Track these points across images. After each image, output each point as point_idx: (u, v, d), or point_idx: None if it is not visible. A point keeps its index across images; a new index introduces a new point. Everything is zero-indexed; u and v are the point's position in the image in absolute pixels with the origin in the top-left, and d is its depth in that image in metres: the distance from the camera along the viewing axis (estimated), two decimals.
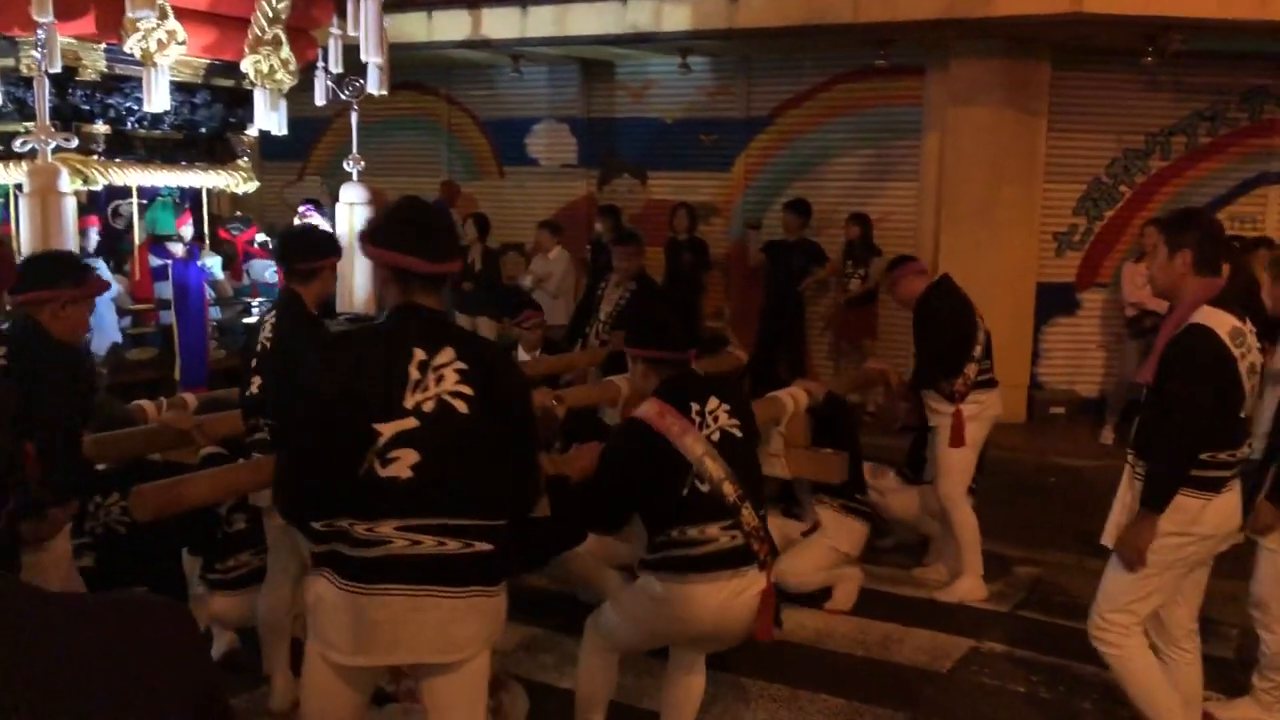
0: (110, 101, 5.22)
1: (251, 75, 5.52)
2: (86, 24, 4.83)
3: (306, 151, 11.42)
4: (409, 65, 9.57)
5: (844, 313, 8.84)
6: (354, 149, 6.02)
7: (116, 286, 5.31)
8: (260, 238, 7.05)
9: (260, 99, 5.64)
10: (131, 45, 4.87)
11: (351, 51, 5.80)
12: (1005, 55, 8.28)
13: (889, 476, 5.90)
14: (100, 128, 5.21)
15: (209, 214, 6.06)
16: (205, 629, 4.24)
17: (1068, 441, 7.96)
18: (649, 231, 9.96)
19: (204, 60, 5.47)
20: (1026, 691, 4.43)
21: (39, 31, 4.41)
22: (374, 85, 5.82)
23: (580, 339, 6.67)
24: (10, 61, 4.99)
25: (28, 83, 4.79)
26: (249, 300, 6.24)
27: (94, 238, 5.34)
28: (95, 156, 5.15)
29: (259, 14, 5.42)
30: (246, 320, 6.07)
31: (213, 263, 5.95)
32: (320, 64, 5.92)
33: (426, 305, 2.64)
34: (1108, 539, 3.62)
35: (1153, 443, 3.45)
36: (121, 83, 5.19)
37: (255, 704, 3.97)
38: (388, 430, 2.52)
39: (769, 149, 9.70)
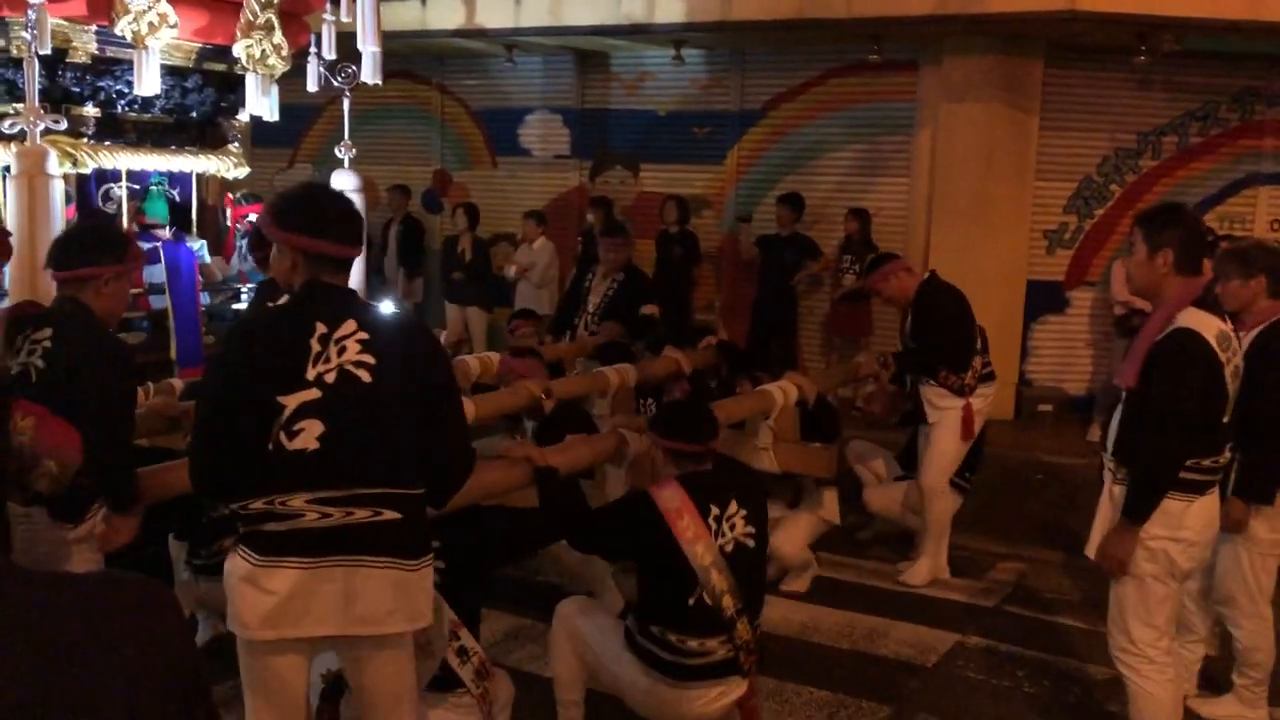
0: (101, 84, 5.18)
1: (243, 60, 5.49)
2: (77, 6, 4.80)
3: (298, 139, 11.36)
4: (402, 54, 9.54)
5: (838, 308, 8.84)
6: (346, 136, 5.99)
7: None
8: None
9: (252, 84, 5.61)
10: (122, 28, 4.84)
11: (345, 39, 5.77)
12: (998, 52, 8.29)
13: (879, 460, 5.96)
14: (90, 110, 5.17)
15: (198, 198, 6.03)
16: (190, 614, 4.23)
17: (1055, 439, 7.99)
18: (640, 223, 9.98)
19: (195, 44, 5.43)
20: (1011, 685, 4.46)
21: (29, 12, 4.38)
22: (369, 74, 5.79)
23: (569, 330, 6.67)
24: (1, 43, 4.94)
25: (18, 64, 4.75)
26: (238, 286, 6.21)
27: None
28: (85, 139, 5.11)
29: None
30: (236, 306, 6.04)
31: (198, 246, 5.92)
32: (313, 50, 5.88)
33: (331, 282, 2.66)
34: (1092, 550, 3.50)
35: (1137, 450, 3.34)
36: (112, 65, 5.16)
37: (239, 690, 3.95)
38: (291, 402, 2.54)
39: (762, 142, 9.70)
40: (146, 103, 5.36)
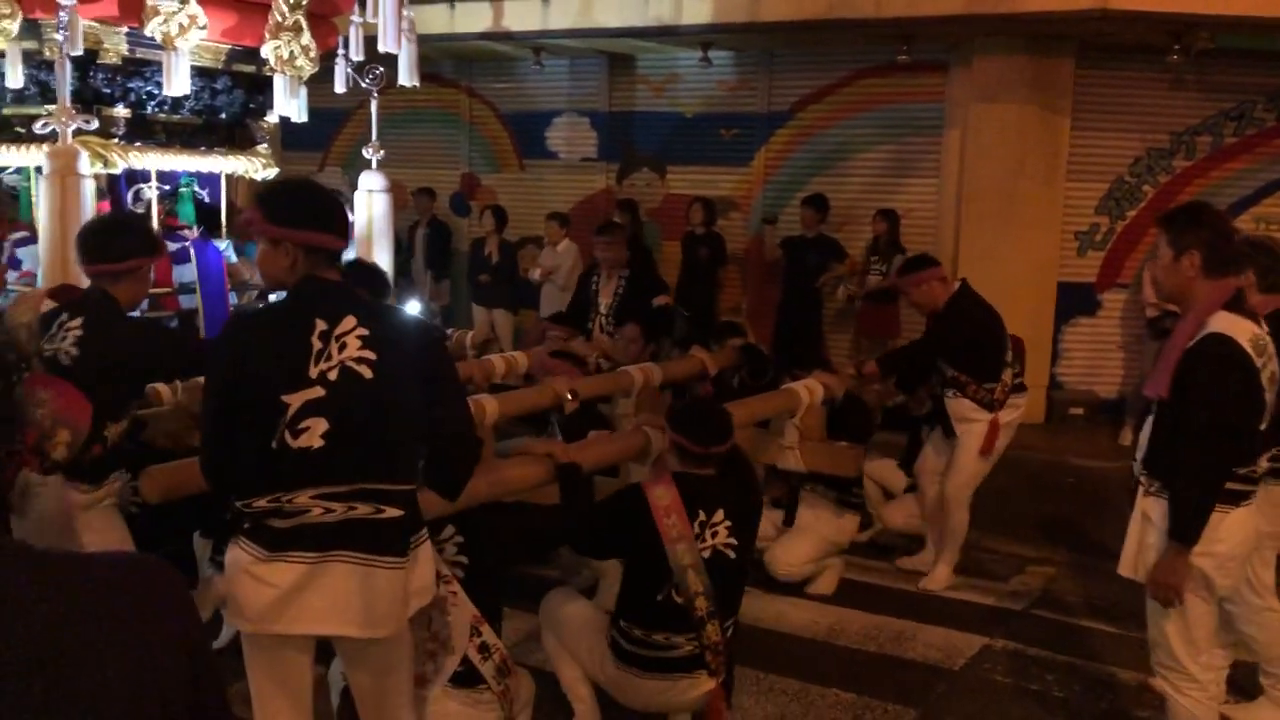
0: (131, 85, 5.23)
1: (272, 61, 5.52)
2: (108, 7, 4.84)
3: (328, 142, 11.44)
4: (430, 57, 9.57)
5: (865, 308, 8.78)
6: (373, 137, 6.01)
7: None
8: None
9: (280, 85, 5.64)
10: (153, 29, 4.88)
11: (372, 40, 5.80)
12: (1028, 52, 8.21)
13: (892, 470, 5.92)
14: (121, 111, 5.22)
15: (227, 199, 6.06)
16: (215, 611, 4.24)
17: (1086, 442, 7.89)
18: (667, 226, 9.97)
19: (224, 45, 5.47)
20: (1040, 690, 4.40)
21: (61, 14, 4.43)
22: (405, 76, 5.81)
23: (584, 335, 6.67)
24: (33, 44, 5.00)
25: (50, 66, 4.80)
26: (263, 285, 6.24)
27: None
28: (115, 140, 5.16)
29: (280, 0, 5.42)
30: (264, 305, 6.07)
31: (226, 245, 5.96)
32: (341, 51, 5.92)
33: (328, 278, 2.66)
34: (1125, 569, 3.35)
35: (1177, 466, 3.15)
36: (142, 67, 5.20)
37: None
38: (295, 401, 2.55)
39: (789, 144, 9.66)
40: (176, 104, 5.40)
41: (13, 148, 5.15)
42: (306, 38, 5.55)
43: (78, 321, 3.34)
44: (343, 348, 2.58)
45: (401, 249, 9.66)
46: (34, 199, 5.14)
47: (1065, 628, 5.05)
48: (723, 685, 3.53)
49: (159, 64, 5.03)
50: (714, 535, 3.44)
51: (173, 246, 5.42)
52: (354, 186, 6.41)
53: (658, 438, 3.98)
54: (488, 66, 10.77)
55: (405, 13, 5.65)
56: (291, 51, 5.54)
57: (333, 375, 2.57)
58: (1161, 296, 3.52)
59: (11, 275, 5.42)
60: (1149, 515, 3.26)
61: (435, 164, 11.15)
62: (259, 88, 5.82)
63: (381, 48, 5.59)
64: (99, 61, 5.08)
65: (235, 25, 5.38)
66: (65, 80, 4.51)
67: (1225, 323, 3.10)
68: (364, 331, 2.60)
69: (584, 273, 7.06)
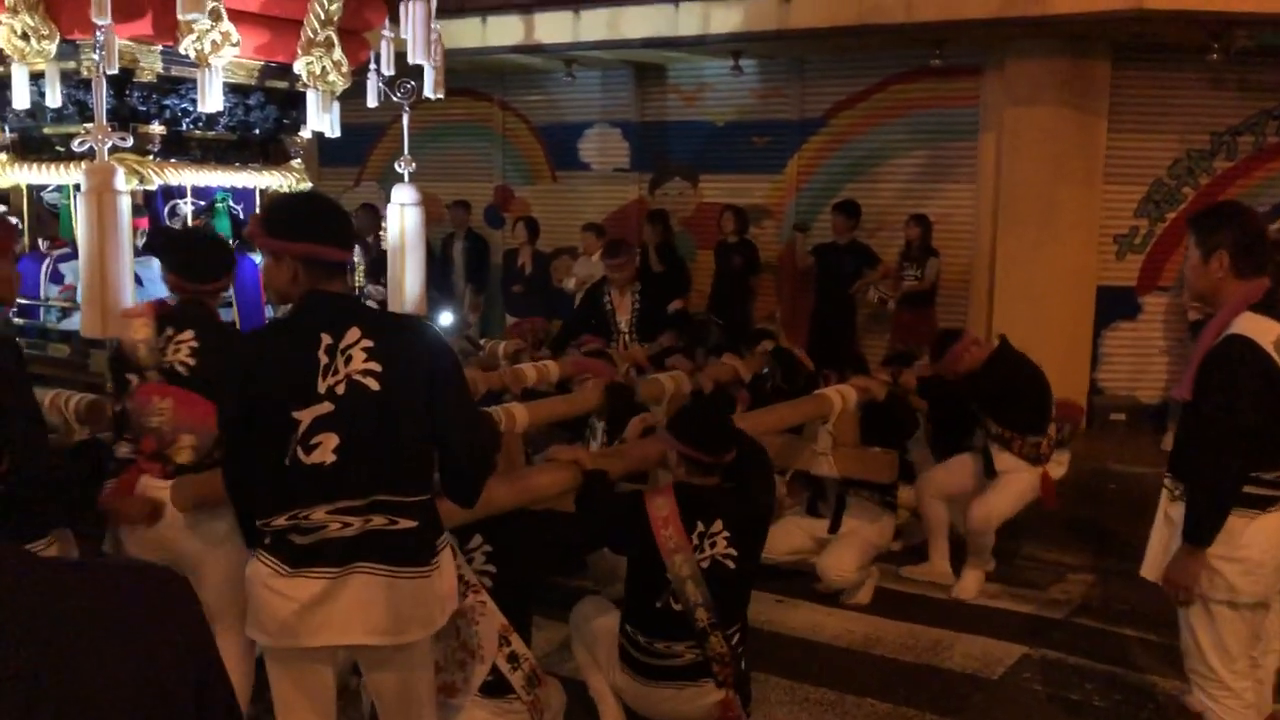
0: (166, 103, 5.29)
1: (304, 77, 5.57)
2: (144, 26, 4.90)
3: (364, 157, 11.56)
4: (463, 71, 9.65)
5: (899, 313, 8.72)
6: (405, 150, 6.05)
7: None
8: None
9: (313, 100, 5.69)
10: (187, 47, 4.93)
11: (404, 56, 5.84)
12: (1063, 54, 8.12)
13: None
14: (156, 128, 5.28)
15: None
16: None
17: (1128, 448, 7.77)
18: (700, 235, 9.97)
19: (257, 62, 5.51)
20: (1080, 700, 4.32)
21: (97, 34, 4.49)
22: (429, 89, 5.84)
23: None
24: (71, 64, 5.08)
25: (88, 85, 4.87)
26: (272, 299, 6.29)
27: (141, 238, 5.44)
28: (151, 156, 5.23)
29: (311, 16, 5.46)
30: None
31: (259, 259, 6.02)
32: (372, 66, 5.96)
33: (332, 290, 2.66)
34: (1148, 571, 3.35)
35: (1194, 466, 3.14)
36: (177, 84, 5.26)
37: None
38: (306, 417, 2.55)
39: (822, 151, 9.62)
40: (211, 120, 5.46)
41: (53, 166, 5.24)
42: (338, 53, 5.59)
43: (189, 334, 3.42)
44: (348, 361, 2.58)
45: (435, 261, 9.72)
46: (73, 215, 5.22)
47: (1106, 636, 4.96)
48: (736, 695, 3.50)
49: (193, 81, 5.09)
50: (712, 545, 3.43)
51: None
52: (389, 200, 6.46)
53: None
54: (520, 79, 10.83)
55: (433, 26, 5.68)
56: (324, 67, 5.58)
57: (340, 389, 2.56)
58: (1193, 298, 3.47)
59: (54, 289, 5.51)
60: (1173, 519, 3.23)
61: (469, 176, 11.23)
62: (292, 103, 5.87)
63: (411, 60, 5.63)
64: (135, 80, 5.15)
65: (268, 42, 5.43)
66: (102, 99, 4.56)
67: (1249, 324, 3.05)
68: (369, 343, 2.59)
69: (592, 288, 7.02)
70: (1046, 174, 8.29)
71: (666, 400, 5.17)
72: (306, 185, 6.06)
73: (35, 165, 5.27)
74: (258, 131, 5.85)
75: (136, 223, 5.24)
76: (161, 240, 5.05)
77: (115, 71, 4.68)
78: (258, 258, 6.08)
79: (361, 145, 11.09)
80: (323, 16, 5.47)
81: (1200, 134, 8.54)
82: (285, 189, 5.92)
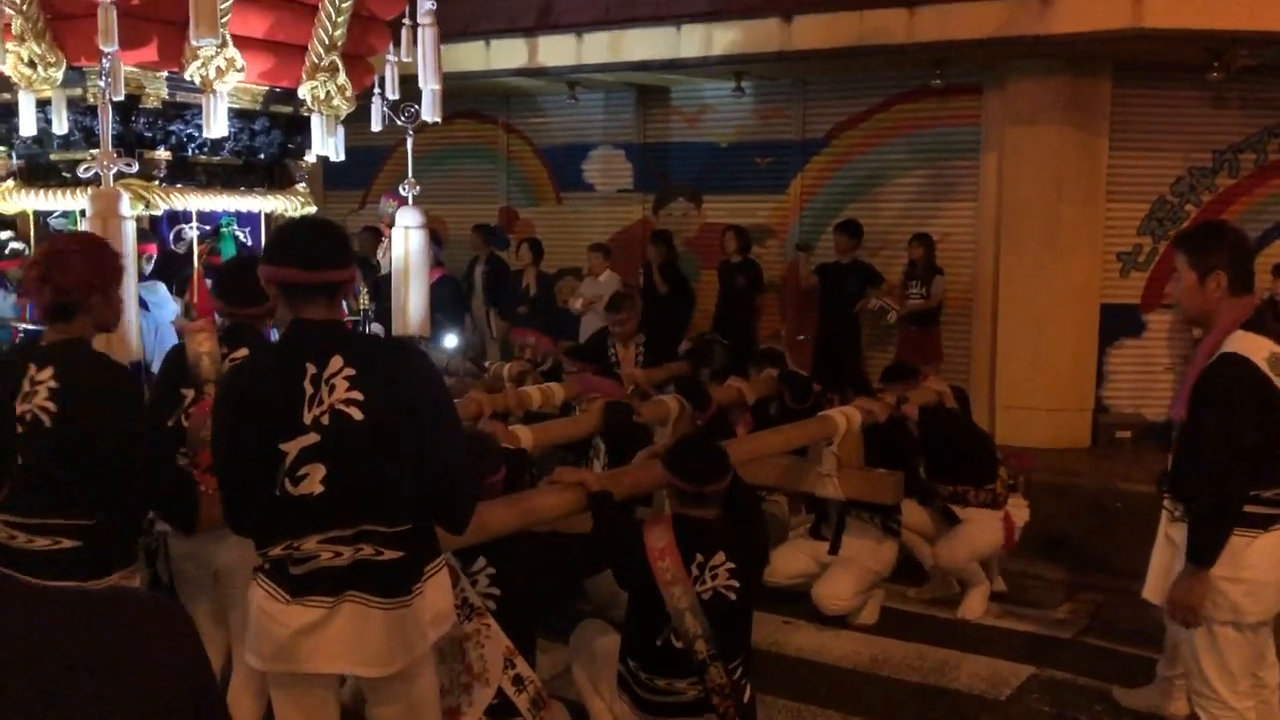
0: (172, 128, 5.32)
1: (309, 101, 5.61)
2: (149, 52, 4.94)
3: (369, 180, 11.60)
4: (467, 94, 9.70)
5: (905, 332, 8.72)
6: (409, 173, 6.08)
7: (176, 308, 5.42)
8: None
9: (317, 125, 5.72)
10: (192, 73, 4.97)
11: (408, 79, 5.87)
12: (1064, 73, 8.15)
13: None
14: (162, 154, 5.31)
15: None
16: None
17: (1134, 466, 7.73)
18: (704, 254, 9.99)
19: (262, 87, 5.55)
20: None
21: (103, 61, 4.53)
22: (428, 112, 5.87)
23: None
24: (77, 91, 5.12)
25: (94, 111, 4.91)
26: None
27: (149, 263, 5.46)
28: (157, 182, 5.25)
29: (316, 41, 5.50)
30: None
31: None
32: (376, 91, 5.99)
33: (313, 318, 2.63)
34: (1150, 593, 3.36)
35: (1193, 487, 3.14)
36: (183, 110, 5.29)
37: None
38: (292, 448, 2.55)
39: (825, 171, 9.65)
40: (216, 145, 5.49)
41: (59, 192, 5.27)
42: (342, 78, 5.63)
43: (241, 352, 3.44)
44: (331, 390, 2.57)
45: (458, 284, 9.74)
46: None
47: (1114, 656, 4.94)
48: None
49: (199, 107, 5.12)
50: (714, 577, 3.39)
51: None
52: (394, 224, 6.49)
53: None
54: (523, 102, 10.88)
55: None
56: (328, 92, 5.63)
57: (325, 420, 2.56)
58: (1186, 319, 3.45)
59: None
60: (1174, 540, 3.23)
61: (475, 199, 11.27)
62: (297, 128, 5.91)
63: (422, 85, 5.66)
64: (141, 106, 5.18)
65: (272, 67, 5.47)
66: (108, 125, 4.60)
67: (1241, 342, 3.07)
68: (351, 371, 2.57)
69: (598, 334, 6.96)
70: (1049, 192, 8.31)
71: (673, 422, 5.17)
72: (311, 209, 6.09)
73: (42, 191, 5.30)
74: (263, 156, 5.88)
75: (145, 248, 5.28)
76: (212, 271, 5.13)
77: (121, 98, 4.70)
78: None
79: (366, 168, 11.13)
80: (327, 42, 5.52)
81: (1202, 151, 8.55)
82: (290, 213, 5.95)
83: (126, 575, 2.96)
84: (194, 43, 4.76)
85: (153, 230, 5.45)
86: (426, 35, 5.48)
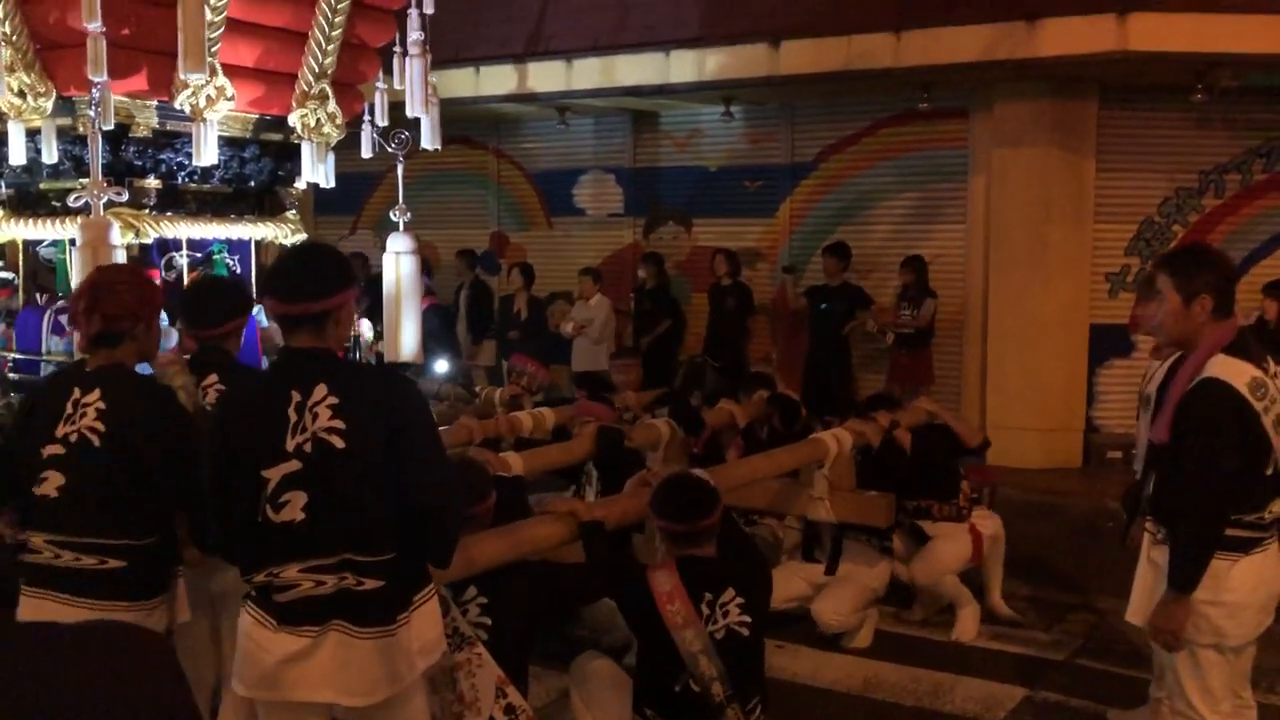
0: (162, 157, 5.33)
1: (299, 129, 5.63)
2: (139, 81, 4.96)
3: (359, 206, 11.63)
4: (457, 120, 9.72)
5: (896, 355, 8.73)
6: (400, 199, 6.09)
7: (173, 339, 5.42)
8: None
9: (307, 152, 5.74)
10: (182, 101, 4.99)
11: (397, 106, 5.90)
12: (1050, 95, 8.22)
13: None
14: (152, 182, 5.32)
15: (258, 265, 6.15)
16: None
17: (1125, 486, 7.73)
18: (694, 277, 10.02)
19: (252, 115, 5.57)
20: None
21: (93, 90, 4.54)
22: (428, 140, 5.90)
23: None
24: (67, 120, 5.13)
25: (83, 140, 4.92)
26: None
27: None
28: (147, 210, 5.26)
29: (306, 69, 5.53)
30: None
31: (257, 310, 6.04)
32: (366, 118, 6.02)
33: (300, 345, 2.64)
34: (1133, 615, 3.36)
35: (1175, 512, 3.15)
36: (172, 138, 5.31)
37: None
38: (274, 475, 2.55)
39: (814, 194, 9.69)
40: (206, 173, 5.50)
41: (49, 221, 5.27)
42: (332, 105, 5.66)
43: (212, 378, 3.42)
44: (315, 418, 2.57)
45: (448, 310, 9.79)
46: (69, 270, 5.24)
47: (1108, 677, 4.93)
48: None
49: (189, 135, 5.14)
50: (725, 615, 3.35)
51: None
52: (384, 249, 6.49)
53: None
54: (514, 127, 10.93)
55: (429, 78, 5.75)
56: (318, 119, 5.65)
57: (308, 448, 2.56)
58: (1168, 343, 3.42)
59: (55, 341, 5.51)
60: (1157, 562, 3.23)
61: (465, 224, 11.30)
62: (287, 155, 5.92)
63: (410, 113, 5.69)
64: (130, 135, 5.20)
65: (262, 95, 5.49)
66: (97, 154, 4.61)
67: (1221, 367, 3.06)
68: (334, 400, 2.57)
69: (600, 375, 6.95)
70: (1037, 214, 8.35)
71: (664, 446, 5.16)
72: (301, 236, 6.09)
73: (32, 220, 5.30)
74: (253, 183, 5.89)
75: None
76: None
77: (111, 127, 4.72)
78: (255, 309, 6.12)
79: (357, 194, 11.16)
80: (317, 70, 5.55)
81: (1189, 173, 8.61)
82: (280, 240, 5.96)
83: (164, 600, 3.02)
84: (184, 76, 4.78)
85: (143, 258, 5.45)
86: (414, 66, 5.51)
